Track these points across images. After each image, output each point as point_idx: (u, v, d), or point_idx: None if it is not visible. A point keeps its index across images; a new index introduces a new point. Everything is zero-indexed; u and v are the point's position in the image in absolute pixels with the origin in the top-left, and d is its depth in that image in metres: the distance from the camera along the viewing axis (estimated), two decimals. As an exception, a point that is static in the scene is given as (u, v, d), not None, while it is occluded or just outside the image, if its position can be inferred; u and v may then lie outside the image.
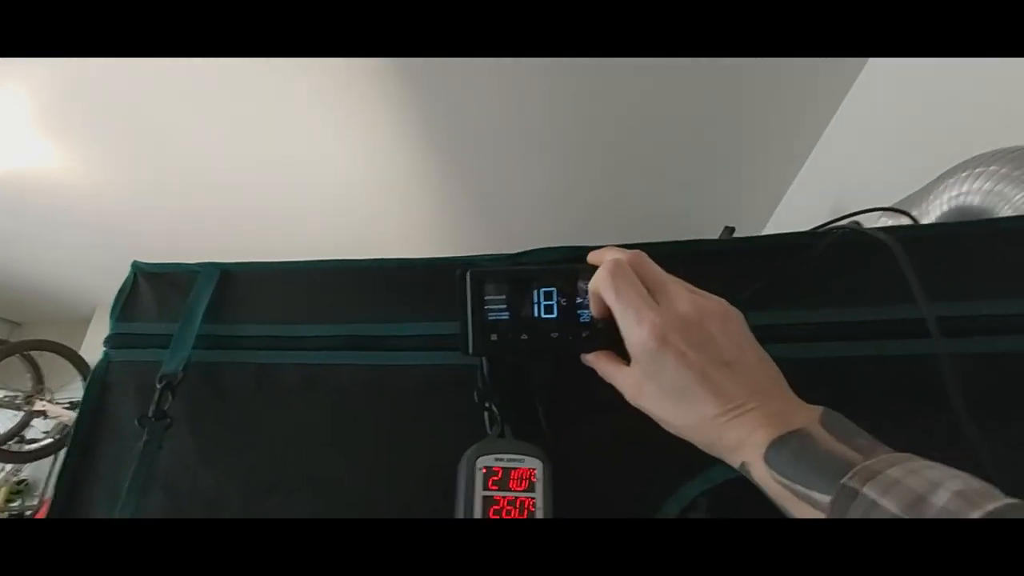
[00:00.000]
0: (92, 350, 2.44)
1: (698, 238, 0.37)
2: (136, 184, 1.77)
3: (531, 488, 0.31)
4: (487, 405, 0.35)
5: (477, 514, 0.30)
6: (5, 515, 2.29)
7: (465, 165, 1.60)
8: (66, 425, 2.07)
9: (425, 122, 1.44)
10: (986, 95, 0.87)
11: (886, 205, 0.82)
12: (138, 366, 0.43)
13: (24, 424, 2.09)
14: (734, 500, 0.32)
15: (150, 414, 0.39)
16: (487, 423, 0.35)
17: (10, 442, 2.03)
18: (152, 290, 0.46)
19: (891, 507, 0.21)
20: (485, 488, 0.31)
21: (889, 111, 1.17)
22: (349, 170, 1.65)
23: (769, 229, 1.74)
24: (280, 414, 0.40)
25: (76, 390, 2.14)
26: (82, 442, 0.42)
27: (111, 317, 0.46)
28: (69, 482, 0.41)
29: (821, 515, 0.23)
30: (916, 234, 0.33)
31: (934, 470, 0.22)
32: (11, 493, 2.38)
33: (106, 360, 0.44)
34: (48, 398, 2.07)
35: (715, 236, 1.35)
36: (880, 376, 0.32)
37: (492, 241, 1.90)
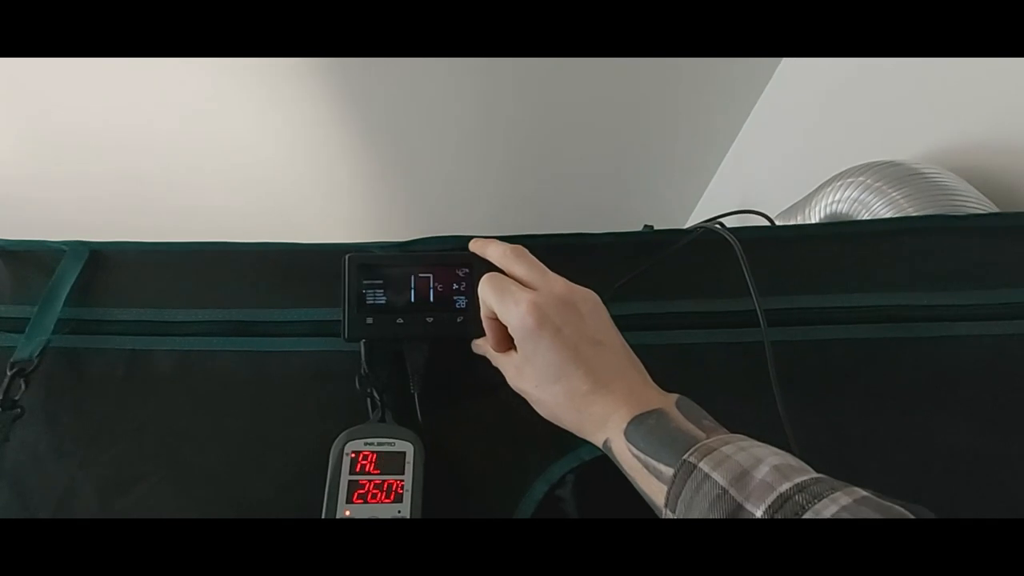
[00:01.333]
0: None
1: (584, 231, 0.40)
2: (49, 174, 1.59)
3: (400, 471, 0.32)
4: (368, 390, 0.35)
5: (342, 499, 0.30)
6: None
7: (389, 154, 1.57)
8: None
9: (349, 113, 1.40)
10: (878, 109, 0.96)
11: (784, 207, 0.90)
12: (-13, 352, 0.40)
13: None
14: (598, 477, 0.34)
15: (-3, 403, 0.36)
16: (369, 408, 0.36)
17: None
18: (8, 269, 0.42)
19: (720, 480, 0.24)
20: (352, 472, 0.31)
21: (790, 122, 1.27)
22: (276, 158, 1.57)
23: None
24: (150, 402, 0.38)
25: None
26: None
27: (-43, 298, 0.41)
28: None
29: (664, 487, 0.26)
30: (759, 235, 0.37)
31: (760, 448, 0.25)
32: None
33: (-52, 345, 0.40)
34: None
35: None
36: (725, 360, 0.35)
37: (411, 230, 1.88)
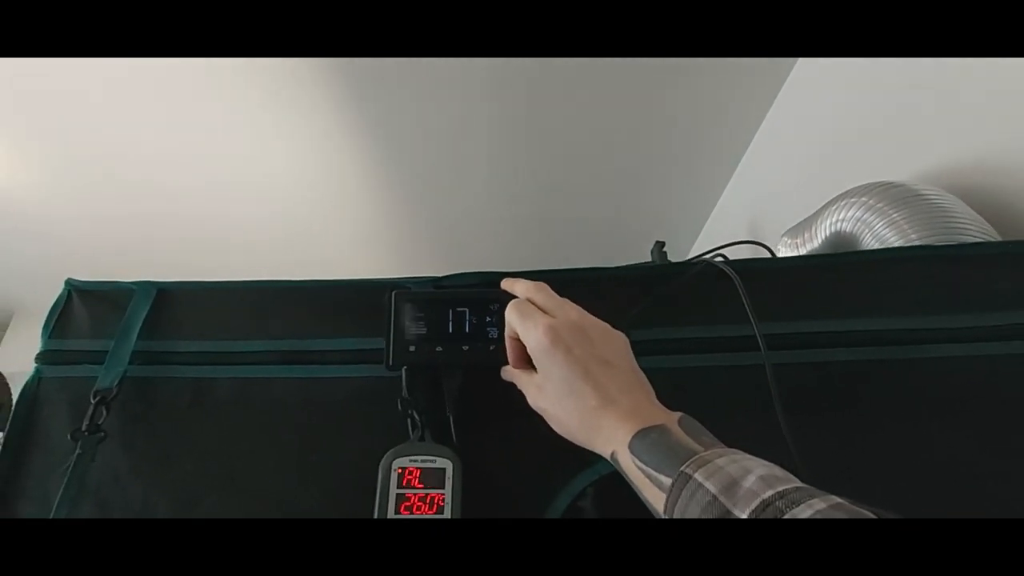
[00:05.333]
0: (8, 357, 2.28)
1: (602, 266, 0.44)
2: (59, 189, 1.69)
3: (441, 485, 0.36)
4: (409, 412, 0.40)
5: (391, 510, 0.34)
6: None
7: (406, 177, 1.64)
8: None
9: (367, 136, 1.46)
10: (883, 128, 0.99)
11: (790, 225, 0.93)
12: (70, 382, 0.45)
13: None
14: (615, 489, 0.38)
15: (84, 428, 0.41)
16: (409, 429, 0.40)
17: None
18: (86, 307, 0.48)
19: (711, 488, 0.27)
20: (399, 486, 0.35)
21: (797, 139, 1.31)
22: (292, 177, 1.64)
23: (700, 243, 1.87)
24: (212, 426, 0.43)
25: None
26: (11, 455, 0.43)
27: (43, 334, 0.47)
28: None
29: (664, 495, 0.29)
30: (759, 266, 0.41)
31: (750, 461, 0.29)
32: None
33: (37, 376, 0.45)
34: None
35: (647, 249, 1.46)
36: (730, 382, 0.39)
37: (429, 250, 1.94)
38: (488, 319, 0.40)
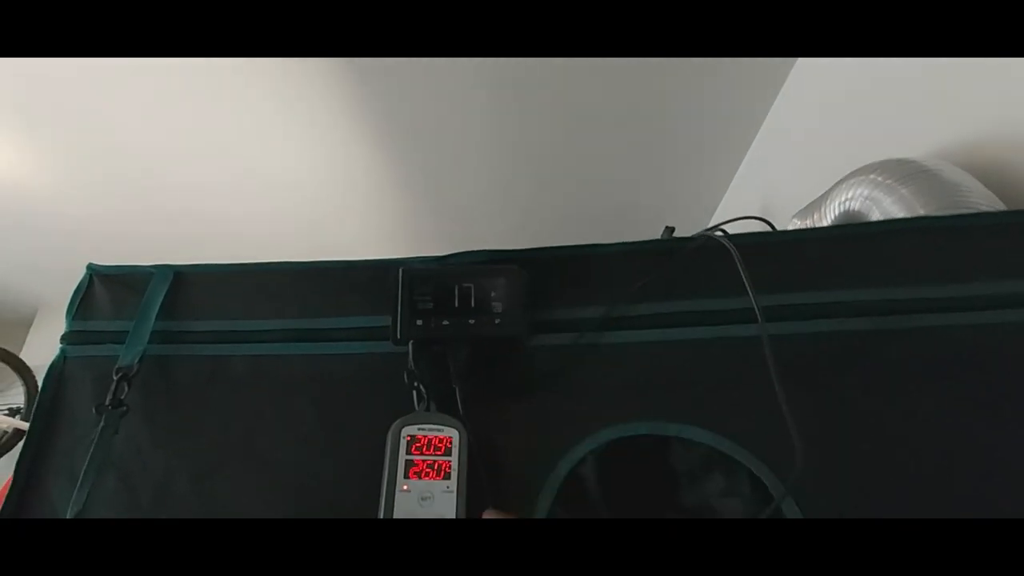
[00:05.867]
0: (33, 351, 2.34)
1: (605, 242, 0.44)
2: (79, 186, 1.73)
3: (448, 452, 0.37)
4: (415, 385, 0.41)
5: (400, 475, 0.35)
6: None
7: (415, 169, 1.65)
8: (4, 432, 1.98)
9: (375, 128, 1.47)
10: (890, 107, 0.98)
11: (802, 206, 0.93)
12: (94, 361, 0.47)
13: (-41, 433, 1.99)
14: (613, 458, 0.39)
15: (107, 403, 0.43)
16: (415, 401, 0.41)
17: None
18: (107, 290, 0.50)
19: None
20: (408, 453, 0.36)
21: (806, 122, 1.29)
22: (303, 171, 1.66)
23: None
24: (229, 401, 0.45)
25: (16, 396, 2.05)
26: (40, 431, 0.45)
27: (67, 316, 0.49)
28: (28, 467, 0.44)
29: None
30: (758, 240, 0.41)
31: None
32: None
33: (63, 356, 0.47)
34: (-16, 406, 1.99)
35: (657, 234, 1.45)
36: (730, 353, 0.39)
37: (439, 241, 1.95)
38: (492, 294, 0.41)
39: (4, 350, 1.94)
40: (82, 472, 0.41)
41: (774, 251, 0.41)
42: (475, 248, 0.45)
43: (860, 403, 0.37)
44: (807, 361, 0.38)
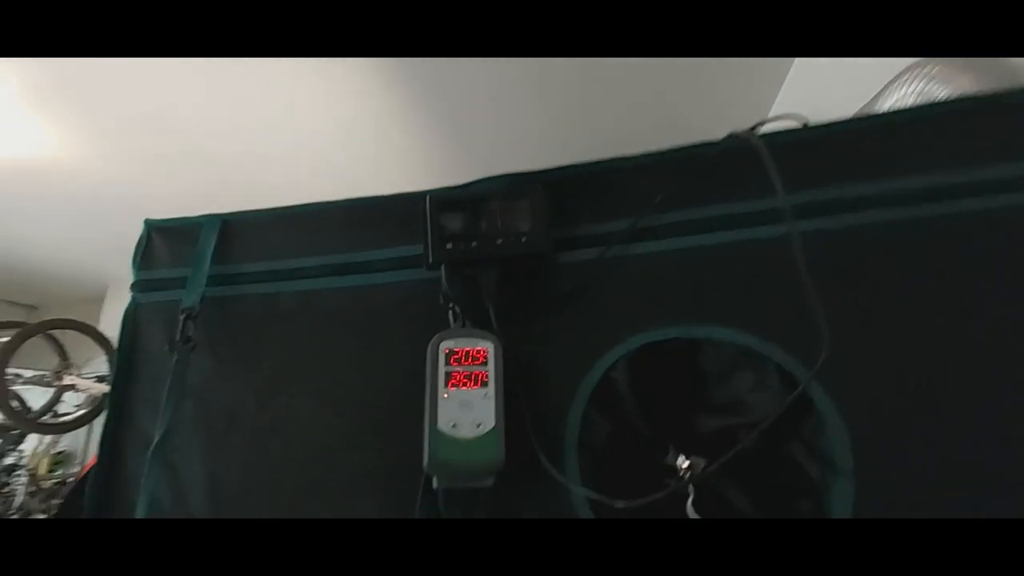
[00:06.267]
0: (110, 324, 2.54)
1: (624, 155, 0.44)
2: (134, 161, 1.82)
3: (485, 363, 0.39)
4: (450, 306, 0.43)
5: (440, 385, 0.38)
6: (49, 484, 2.47)
7: (445, 125, 1.64)
8: (96, 397, 2.19)
9: (401, 74, 1.46)
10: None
11: (857, 107, 0.87)
12: (161, 305, 0.51)
13: (56, 399, 2.22)
14: (644, 362, 0.40)
15: (178, 339, 0.47)
16: (451, 321, 0.43)
17: (45, 416, 2.17)
18: (164, 241, 0.54)
19: None
20: (447, 364, 0.39)
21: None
22: (339, 132, 1.69)
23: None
24: (282, 333, 0.48)
25: (101, 364, 2.25)
26: (123, 369, 0.51)
27: (132, 267, 0.53)
28: (118, 399, 0.50)
29: None
30: (788, 138, 0.40)
31: None
32: (53, 464, 2.55)
33: (134, 303, 0.52)
34: (76, 373, 2.19)
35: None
36: (759, 256, 0.39)
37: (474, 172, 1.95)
38: (517, 214, 0.42)
39: (85, 324, 2.12)
40: (164, 400, 0.46)
41: (801, 148, 0.39)
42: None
43: (887, 292, 0.37)
44: (835, 256, 0.37)
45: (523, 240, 0.41)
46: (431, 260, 0.42)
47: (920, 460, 0.33)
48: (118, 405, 0.50)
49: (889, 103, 0.76)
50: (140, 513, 0.42)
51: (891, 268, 0.37)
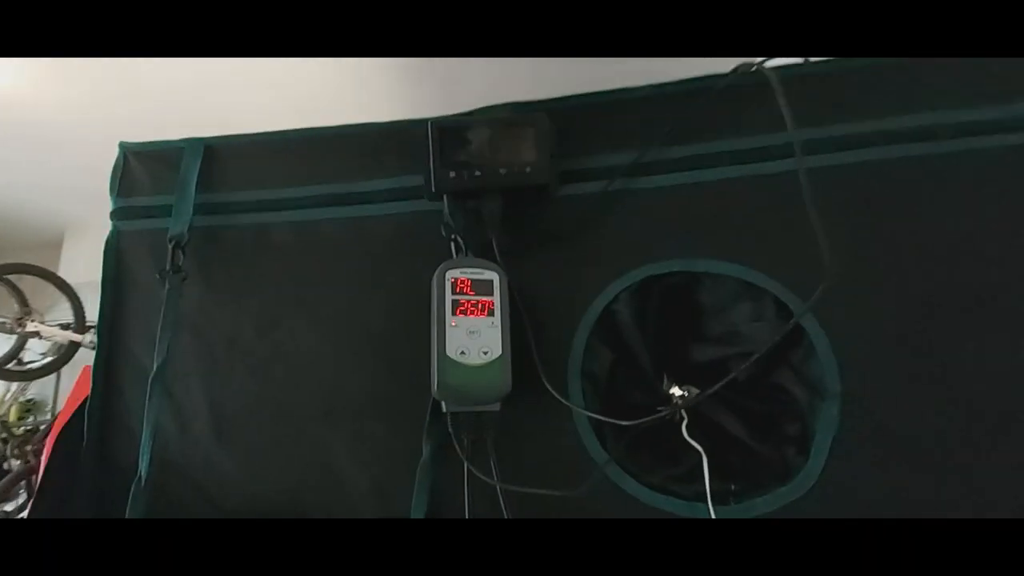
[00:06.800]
0: (69, 270, 2.44)
1: (630, 87, 0.43)
2: (97, 103, 1.70)
3: (490, 292, 0.39)
4: (452, 236, 0.43)
5: (448, 313, 0.38)
6: (20, 431, 2.42)
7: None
8: (62, 345, 2.13)
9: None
10: None
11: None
12: (145, 233, 0.49)
13: (20, 347, 2.14)
14: (645, 295, 0.41)
15: (168, 269, 0.46)
16: (453, 252, 0.43)
17: (9, 364, 2.10)
18: (142, 166, 0.51)
19: None
20: (454, 293, 0.39)
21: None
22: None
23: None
24: (276, 264, 0.47)
25: (64, 311, 2.17)
26: (110, 298, 0.49)
27: (111, 194, 0.51)
28: (108, 325, 0.48)
29: None
30: (795, 72, 0.40)
31: None
32: (23, 411, 2.50)
33: (116, 231, 0.50)
34: (39, 320, 2.11)
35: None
36: (764, 191, 0.40)
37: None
38: (522, 143, 0.41)
39: (44, 269, 2.02)
40: (159, 329, 0.45)
41: (810, 83, 0.40)
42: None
43: (884, 229, 0.38)
44: (838, 192, 0.38)
45: (527, 171, 0.41)
46: (433, 189, 0.42)
47: (906, 390, 0.36)
48: (108, 334, 0.48)
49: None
50: (145, 443, 0.42)
51: (891, 206, 0.38)
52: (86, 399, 0.48)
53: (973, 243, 0.37)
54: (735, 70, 0.40)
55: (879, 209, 0.38)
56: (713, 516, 0.36)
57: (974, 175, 0.38)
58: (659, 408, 0.38)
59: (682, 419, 0.39)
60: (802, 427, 0.38)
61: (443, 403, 0.38)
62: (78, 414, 0.48)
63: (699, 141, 0.41)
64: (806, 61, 0.41)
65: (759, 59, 0.40)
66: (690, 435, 0.38)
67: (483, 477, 0.38)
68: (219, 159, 0.50)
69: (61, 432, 0.48)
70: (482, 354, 0.38)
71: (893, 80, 0.39)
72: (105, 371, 0.48)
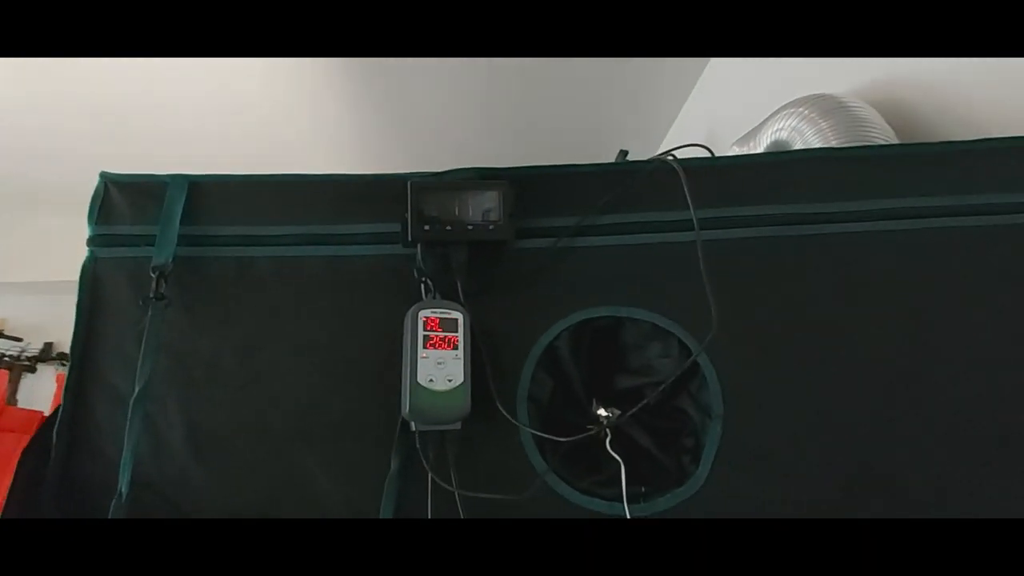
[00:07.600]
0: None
1: (579, 163, 0.53)
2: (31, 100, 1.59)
3: (455, 329, 0.47)
4: (423, 279, 0.50)
5: (420, 346, 0.46)
6: None
7: (379, 94, 1.62)
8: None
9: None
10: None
11: (741, 135, 1.04)
12: (125, 261, 0.52)
13: None
14: (582, 335, 0.51)
15: (151, 296, 0.49)
16: (423, 293, 0.50)
17: None
18: (123, 197, 0.54)
19: None
20: (424, 329, 0.46)
21: (746, 62, 1.36)
22: (275, 90, 1.60)
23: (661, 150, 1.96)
24: (257, 295, 0.52)
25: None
26: (85, 320, 0.51)
27: (89, 221, 0.53)
28: (81, 349, 0.51)
29: None
30: (702, 164, 0.51)
31: None
32: None
33: (93, 257, 0.53)
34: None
35: (612, 156, 1.54)
36: (677, 256, 0.50)
37: (399, 159, 1.96)
38: (487, 204, 0.49)
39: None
40: (140, 355, 0.48)
41: (712, 174, 0.51)
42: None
43: (766, 290, 0.50)
44: (729, 260, 0.50)
45: (490, 228, 0.49)
46: (409, 239, 0.49)
47: (771, 411, 0.47)
48: (81, 355, 0.51)
49: (768, 133, 0.92)
50: (125, 462, 0.45)
51: (766, 272, 0.50)
52: (49, 418, 0.50)
53: (820, 303, 0.50)
54: (657, 158, 0.51)
55: (757, 274, 0.50)
56: (628, 515, 0.45)
57: (819, 251, 0.50)
58: (589, 426, 0.47)
59: (607, 435, 0.48)
60: (696, 441, 0.49)
61: (412, 423, 0.45)
62: (43, 432, 0.50)
63: (627, 211, 0.52)
64: (712, 156, 0.53)
65: (676, 149, 0.52)
66: (612, 448, 0.47)
67: (444, 484, 0.45)
68: (204, 195, 0.54)
69: (26, 450, 0.50)
70: (447, 381, 0.45)
71: (766, 175, 0.52)
72: (76, 391, 0.50)
